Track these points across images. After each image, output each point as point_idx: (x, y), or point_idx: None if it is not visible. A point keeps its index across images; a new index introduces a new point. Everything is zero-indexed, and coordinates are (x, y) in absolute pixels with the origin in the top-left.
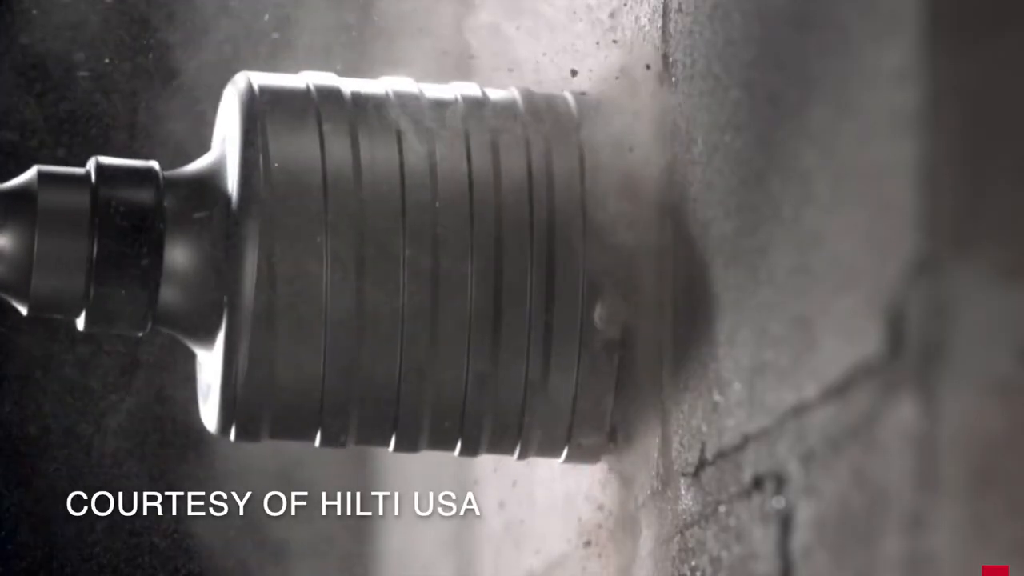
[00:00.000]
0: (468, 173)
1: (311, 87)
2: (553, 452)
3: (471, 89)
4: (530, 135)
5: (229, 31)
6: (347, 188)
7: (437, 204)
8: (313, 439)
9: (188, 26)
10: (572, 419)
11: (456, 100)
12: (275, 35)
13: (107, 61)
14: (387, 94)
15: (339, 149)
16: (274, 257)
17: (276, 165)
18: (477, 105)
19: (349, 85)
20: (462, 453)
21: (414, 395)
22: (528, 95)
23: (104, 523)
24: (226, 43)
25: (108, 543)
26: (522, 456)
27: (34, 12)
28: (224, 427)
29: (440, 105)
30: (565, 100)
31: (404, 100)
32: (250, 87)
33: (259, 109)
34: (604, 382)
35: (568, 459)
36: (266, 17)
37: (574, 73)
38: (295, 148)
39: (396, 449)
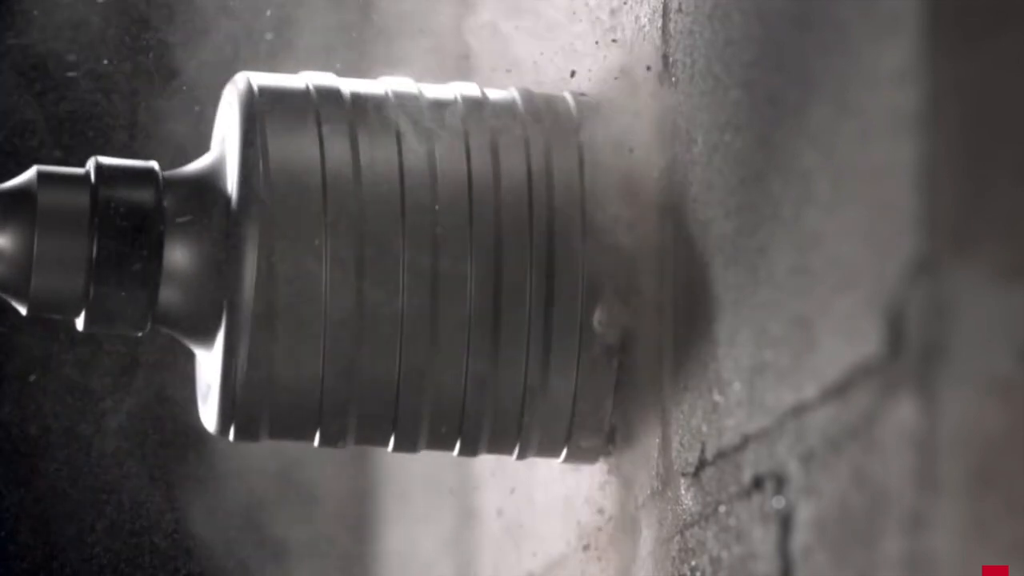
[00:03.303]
0: (467, 173)
1: (311, 87)
2: (552, 452)
3: (470, 89)
4: (529, 135)
5: (230, 31)
6: (346, 188)
7: (436, 205)
8: (312, 439)
9: (188, 26)
10: (572, 419)
11: (456, 100)
12: (275, 35)
13: (107, 61)
14: (386, 94)
15: (338, 149)
16: (273, 257)
17: (275, 165)
18: (476, 105)
19: (348, 85)
20: (461, 453)
21: (413, 395)
22: (527, 95)
23: (104, 523)
24: (226, 43)
25: (108, 543)
26: (521, 456)
27: (34, 12)
28: (223, 427)
29: (439, 105)
30: (565, 100)
31: (403, 100)
32: (249, 87)
33: (258, 109)
34: (603, 383)
35: (567, 459)
36: (267, 16)
37: (573, 73)
38: (294, 148)
39: (395, 449)
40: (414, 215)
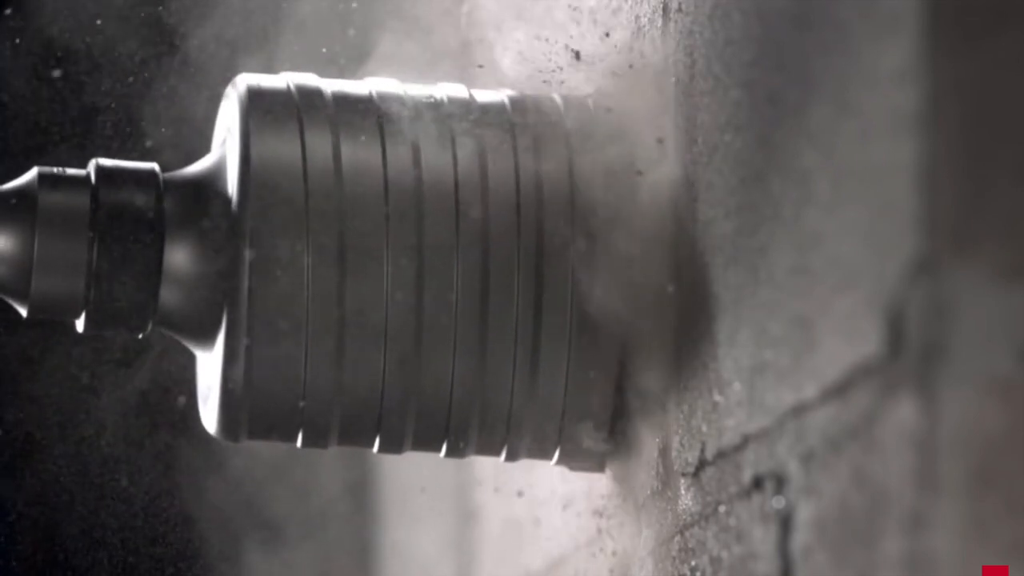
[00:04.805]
0: (454, 174)
1: (293, 88)
2: (543, 454)
3: (457, 90)
4: (517, 137)
5: (232, 32)
6: (328, 190)
7: (421, 206)
8: (297, 440)
9: (190, 27)
10: (562, 421)
11: (442, 101)
12: (278, 36)
13: (107, 62)
14: (371, 95)
15: (320, 151)
16: (267, 259)
17: (258, 167)
18: (464, 106)
19: (332, 86)
20: (448, 454)
21: (399, 396)
22: (516, 97)
23: (107, 521)
24: (229, 44)
25: (111, 541)
26: (511, 458)
27: (35, 12)
28: (223, 428)
29: (425, 106)
30: (554, 102)
31: (388, 101)
32: (248, 90)
33: (255, 111)
34: (599, 383)
35: (561, 461)
36: (269, 18)
37: (572, 72)
38: (278, 150)
39: (380, 450)
40: (398, 216)
